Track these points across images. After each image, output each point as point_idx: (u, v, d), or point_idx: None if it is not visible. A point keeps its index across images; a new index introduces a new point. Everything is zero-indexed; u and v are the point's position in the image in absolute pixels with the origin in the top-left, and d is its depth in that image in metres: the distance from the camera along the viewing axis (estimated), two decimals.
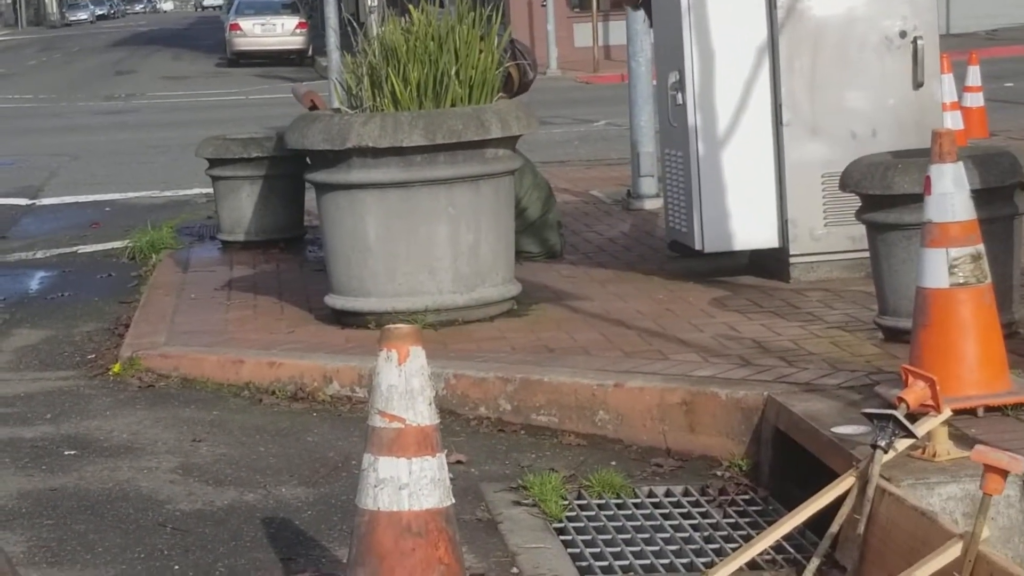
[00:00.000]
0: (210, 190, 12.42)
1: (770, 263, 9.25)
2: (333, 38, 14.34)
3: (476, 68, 8.65)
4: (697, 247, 9.22)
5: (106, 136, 23.75)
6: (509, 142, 8.63)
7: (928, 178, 5.97)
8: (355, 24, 9.51)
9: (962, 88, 15.58)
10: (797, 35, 8.96)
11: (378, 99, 8.64)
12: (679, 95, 9.17)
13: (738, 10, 9.01)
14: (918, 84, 8.99)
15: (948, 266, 5.91)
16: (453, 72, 8.58)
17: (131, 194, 16.42)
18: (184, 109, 28.81)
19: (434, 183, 8.41)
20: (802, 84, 8.98)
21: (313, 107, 11.00)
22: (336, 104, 9.28)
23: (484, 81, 8.69)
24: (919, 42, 8.96)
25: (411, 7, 8.77)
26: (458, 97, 8.60)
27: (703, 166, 9.09)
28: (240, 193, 11.61)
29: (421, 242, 8.44)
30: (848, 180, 7.34)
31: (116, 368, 8.55)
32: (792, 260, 9.06)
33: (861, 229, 7.56)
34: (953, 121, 14.08)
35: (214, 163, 11.74)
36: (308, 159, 8.94)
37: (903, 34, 8.98)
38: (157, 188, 16.73)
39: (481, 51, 8.68)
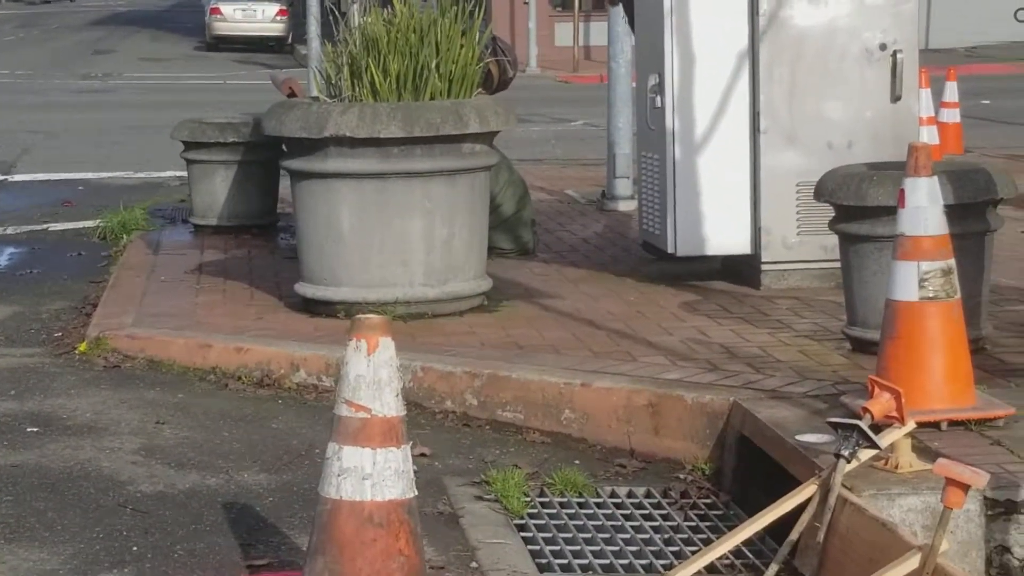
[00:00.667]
0: (184, 173, 12.38)
1: (742, 269, 9.27)
2: (314, 26, 14.32)
3: (456, 63, 8.65)
4: (670, 250, 9.24)
5: (81, 115, 23.67)
6: (487, 137, 8.63)
7: (902, 191, 5.99)
8: (337, 13, 9.50)
9: (939, 103, 15.64)
10: (778, 43, 8.98)
11: (357, 89, 8.64)
12: (658, 98, 9.18)
13: (720, 16, 9.02)
14: (896, 97, 9.01)
15: (919, 280, 5.93)
16: (433, 65, 8.57)
17: (104, 174, 16.37)
18: (161, 91, 28.75)
19: (410, 175, 8.41)
20: (781, 92, 9.00)
21: (292, 94, 10.98)
22: (315, 93, 9.27)
23: (464, 76, 8.69)
24: (899, 55, 8.99)
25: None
26: (437, 91, 8.59)
27: (679, 170, 9.11)
28: (214, 177, 11.59)
29: (395, 234, 8.43)
30: (823, 190, 7.36)
31: (82, 347, 8.52)
32: (764, 267, 9.08)
33: (833, 239, 7.57)
34: (929, 136, 14.13)
35: (189, 146, 11.71)
36: (284, 146, 8.92)
37: (883, 47, 9.00)
38: (131, 169, 16.68)
39: (462, 46, 8.68)
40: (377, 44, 8.60)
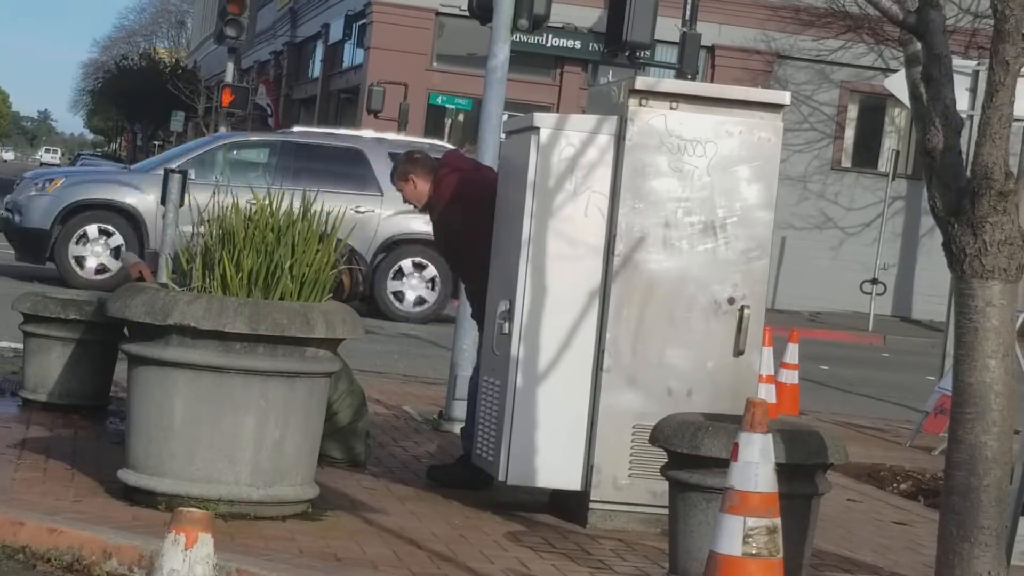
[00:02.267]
0: (20, 345, 12.18)
1: (570, 505, 9.25)
2: (172, 213, 14.29)
3: (311, 266, 8.65)
4: (500, 478, 9.20)
5: None
6: (331, 344, 8.60)
7: (736, 445, 6.04)
8: (197, 202, 9.48)
9: (780, 363, 15.87)
10: (630, 285, 9.08)
11: (208, 281, 8.59)
12: (506, 324, 9.22)
13: (576, 251, 9.12)
14: (739, 352, 9.13)
15: (743, 535, 5.94)
16: (287, 266, 8.56)
17: None
18: (8, 261, 28.39)
19: (250, 373, 8.34)
20: (627, 333, 9.07)
21: (140, 278, 10.89)
22: (164, 279, 9.20)
23: (316, 280, 8.68)
24: (746, 311, 9.13)
25: (255, 193, 8.77)
26: (288, 291, 8.57)
27: (519, 398, 9.11)
28: (51, 353, 11.41)
29: (226, 430, 8.32)
30: (658, 435, 7.40)
31: None
32: (592, 505, 9.07)
33: (664, 485, 7.59)
34: (767, 393, 14.30)
35: (29, 319, 11.54)
36: (127, 330, 8.83)
37: (731, 301, 9.14)
38: None
39: (318, 251, 8.69)
40: (234, 238, 8.58)
